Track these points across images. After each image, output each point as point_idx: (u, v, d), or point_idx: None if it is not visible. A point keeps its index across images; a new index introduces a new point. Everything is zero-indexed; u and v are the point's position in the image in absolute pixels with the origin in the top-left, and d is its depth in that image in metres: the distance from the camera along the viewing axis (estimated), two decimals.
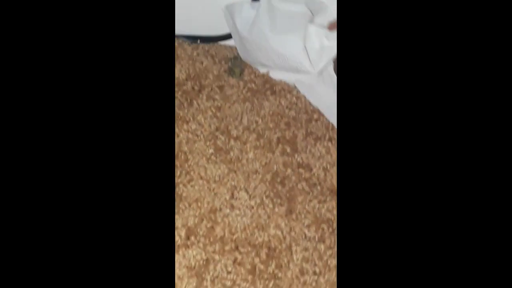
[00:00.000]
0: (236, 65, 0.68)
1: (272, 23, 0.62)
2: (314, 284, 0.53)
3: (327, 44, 0.62)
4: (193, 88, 0.65)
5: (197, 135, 0.62)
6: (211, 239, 0.54)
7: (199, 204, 0.56)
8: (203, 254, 0.53)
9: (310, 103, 0.67)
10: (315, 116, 0.65)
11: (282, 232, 0.56)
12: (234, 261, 0.53)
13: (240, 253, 0.54)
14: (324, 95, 0.66)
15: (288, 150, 0.62)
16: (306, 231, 0.56)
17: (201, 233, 0.54)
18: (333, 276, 0.54)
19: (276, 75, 0.68)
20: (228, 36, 0.70)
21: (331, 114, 0.66)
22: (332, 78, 0.64)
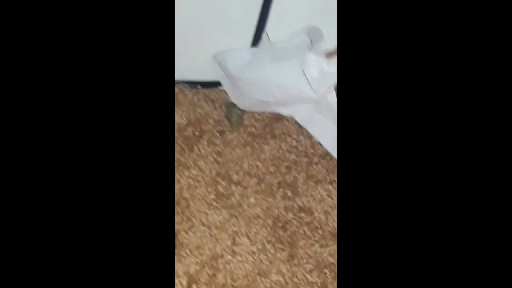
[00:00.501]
0: (233, 113, 0.68)
1: (272, 54, 0.62)
2: None
3: (327, 70, 0.60)
4: (193, 133, 0.66)
5: (198, 181, 0.62)
6: (213, 287, 0.54)
7: (201, 250, 0.56)
8: None
9: (310, 146, 0.67)
10: (316, 159, 0.66)
11: (284, 278, 0.55)
12: None
13: None
14: (325, 127, 0.65)
15: (289, 194, 0.62)
16: (308, 276, 0.56)
17: (202, 280, 0.54)
18: None
19: (275, 110, 0.68)
20: None
21: (332, 147, 0.66)
22: (332, 109, 0.62)
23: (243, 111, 0.69)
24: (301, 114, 0.67)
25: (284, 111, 0.67)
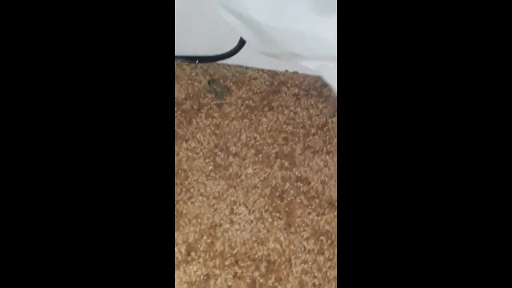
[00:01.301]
0: (217, 86, 0.69)
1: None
2: None
3: None
4: (192, 107, 0.67)
5: (196, 153, 0.63)
6: (211, 254, 0.55)
7: (199, 220, 0.57)
8: (204, 269, 0.54)
9: (308, 118, 0.67)
10: (313, 130, 0.66)
11: (281, 246, 0.57)
12: (234, 275, 0.54)
13: (240, 267, 0.54)
14: None
15: (287, 164, 0.63)
16: (305, 243, 0.57)
17: (201, 248, 0.55)
18: (332, 287, 0.54)
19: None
20: (226, 55, 0.72)
21: None
22: None
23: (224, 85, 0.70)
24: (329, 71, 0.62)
25: (312, 65, 0.63)
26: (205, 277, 0.52)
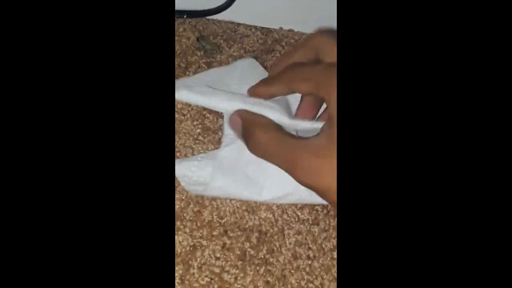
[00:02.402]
0: (207, 43, 0.64)
1: None
2: (307, 269, 0.50)
3: None
4: (179, 65, 0.62)
5: (183, 115, 0.58)
6: (198, 224, 0.51)
7: None
8: (190, 239, 0.50)
9: None
10: None
11: (273, 215, 0.53)
12: (223, 246, 0.50)
13: (229, 238, 0.51)
14: None
15: None
16: (299, 213, 0.53)
17: (187, 217, 0.51)
18: (327, 260, 0.51)
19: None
20: (216, 10, 0.67)
21: None
22: None
23: (214, 42, 0.65)
24: None
25: None
26: (191, 248, 0.49)
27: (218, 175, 0.50)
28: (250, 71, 0.54)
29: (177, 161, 0.52)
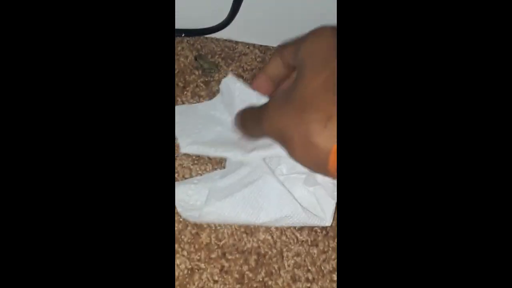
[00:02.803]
0: (204, 62, 0.64)
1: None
2: None
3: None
4: (177, 84, 0.62)
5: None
6: (196, 246, 0.51)
7: None
8: (188, 263, 0.50)
9: None
10: None
11: (272, 237, 0.52)
12: (221, 269, 0.50)
13: (227, 260, 0.50)
14: None
15: None
16: (298, 234, 0.53)
17: (185, 240, 0.51)
18: (327, 282, 0.50)
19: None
20: (214, 29, 0.67)
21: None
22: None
23: (212, 61, 0.65)
24: None
25: None
26: (189, 272, 0.48)
27: (212, 199, 0.50)
28: (230, 94, 0.54)
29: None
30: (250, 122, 0.48)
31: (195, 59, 0.64)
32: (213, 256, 0.50)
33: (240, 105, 0.52)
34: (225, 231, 0.52)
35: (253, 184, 0.50)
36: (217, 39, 0.68)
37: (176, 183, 0.52)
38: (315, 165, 0.41)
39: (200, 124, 0.57)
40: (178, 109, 0.58)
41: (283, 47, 0.49)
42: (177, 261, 0.49)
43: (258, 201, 0.50)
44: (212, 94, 0.61)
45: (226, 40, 0.68)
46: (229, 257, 0.50)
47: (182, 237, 0.51)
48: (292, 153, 0.42)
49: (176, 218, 0.52)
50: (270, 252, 0.51)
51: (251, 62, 0.65)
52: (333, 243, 0.53)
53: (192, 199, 0.51)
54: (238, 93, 0.53)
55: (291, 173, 0.52)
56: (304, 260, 0.51)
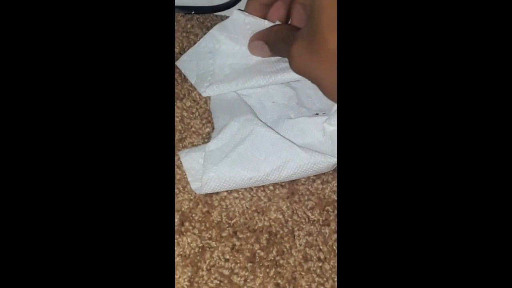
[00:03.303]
0: None
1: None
2: (318, 271, 0.49)
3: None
4: None
5: (192, 113, 0.58)
6: (207, 225, 0.50)
7: None
8: (199, 241, 0.49)
9: None
10: None
11: (283, 216, 0.52)
12: (232, 248, 0.49)
13: (238, 239, 0.50)
14: None
15: None
16: (309, 214, 0.53)
17: (196, 218, 0.50)
18: None
19: None
20: (225, 6, 0.66)
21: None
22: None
23: None
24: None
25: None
26: (200, 250, 0.48)
27: (208, 165, 0.49)
28: (240, 28, 0.57)
29: (183, 152, 0.52)
30: (279, 43, 0.50)
31: None
32: (224, 234, 0.50)
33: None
34: (236, 209, 0.51)
35: (246, 139, 0.50)
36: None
37: (186, 151, 0.52)
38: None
39: (211, 65, 0.56)
40: (183, 58, 0.59)
41: None
42: (188, 239, 0.49)
43: (255, 155, 0.50)
44: None
45: None
46: (240, 235, 0.50)
47: (193, 215, 0.51)
48: (324, 90, 0.44)
49: (186, 197, 0.52)
50: (281, 231, 0.51)
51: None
52: None
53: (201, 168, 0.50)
54: (249, 26, 0.56)
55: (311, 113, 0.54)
56: (316, 240, 0.51)
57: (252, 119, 0.52)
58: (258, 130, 0.51)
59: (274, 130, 0.51)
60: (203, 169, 0.50)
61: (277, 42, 0.50)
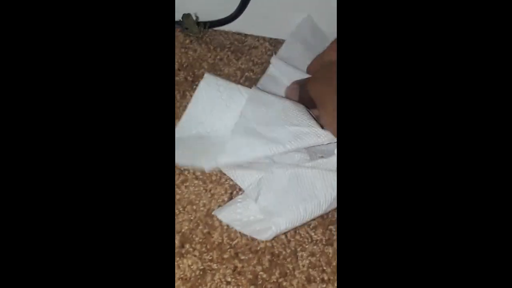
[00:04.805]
0: (191, 24, 0.63)
1: None
2: None
3: None
4: (186, 78, 0.60)
5: None
6: (208, 246, 0.49)
7: (195, 207, 0.51)
8: (200, 263, 0.48)
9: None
10: None
11: (286, 236, 0.51)
12: (234, 270, 0.48)
13: (240, 261, 0.49)
14: None
15: None
16: (312, 233, 0.52)
17: (196, 239, 0.49)
18: None
19: None
20: (223, 21, 0.65)
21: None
22: None
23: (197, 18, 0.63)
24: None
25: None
26: (201, 272, 0.47)
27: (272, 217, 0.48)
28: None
29: (218, 210, 0.50)
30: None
31: (182, 18, 0.62)
32: (225, 256, 0.49)
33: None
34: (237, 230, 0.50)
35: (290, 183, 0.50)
36: (226, 32, 0.66)
37: (220, 209, 0.50)
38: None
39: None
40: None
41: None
42: (189, 262, 0.48)
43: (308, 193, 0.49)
44: None
45: (235, 33, 0.66)
46: (242, 257, 0.49)
47: (194, 236, 0.49)
48: (323, 115, 0.48)
49: (186, 217, 0.50)
50: (284, 252, 0.50)
51: (261, 56, 0.64)
52: None
53: (245, 216, 0.49)
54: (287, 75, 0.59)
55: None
56: (319, 260, 0.50)
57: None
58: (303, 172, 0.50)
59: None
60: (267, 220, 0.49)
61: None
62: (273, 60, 0.60)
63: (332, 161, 0.49)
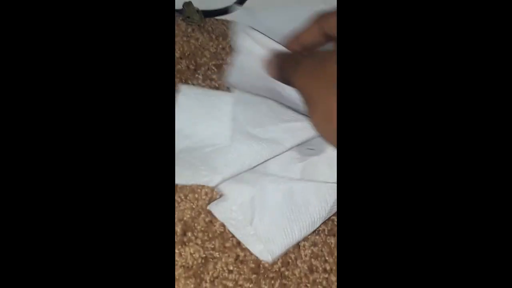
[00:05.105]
0: (193, 12, 0.62)
1: None
2: (324, 282, 0.48)
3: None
4: (188, 67, 0.60)
5: None
6: (210, 235, 0.49)
7: (197, 195, 0.51)
8: (202, 251, 0.48)
9: None
10: None
11: None
12: (236, 259, 0.48)
13: (242, 249, 0.49)
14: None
15: None
16: None
17: (199, 228, 0.49)
18: None
19: None
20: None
21: None
22: None
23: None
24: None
25: None
26: (203, 261, 0.47)
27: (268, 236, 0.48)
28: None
29: (213, 205, 0.50)
30: (286, 65, 0.48)
31: (183, 6, 0.62)
32: (227, 244, 0.49)
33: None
34: None
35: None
36: (228, 21, 0.65)
37: (214, 203, 0.50)
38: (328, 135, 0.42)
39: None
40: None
41: (324, 16, 0.47)
42: (191, 250, 0.48)
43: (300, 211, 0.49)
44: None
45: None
46: (244, 246, 0.49)
47: (195, 225, 0.49)
48: (312, 114, 0.43)
49: (188, 205, 0.50)
50: None
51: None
52: None
53: (240, 215, 0.49)
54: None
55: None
56: (321, 250, 0.50)
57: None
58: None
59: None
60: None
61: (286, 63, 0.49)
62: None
63: (323, 157, 0.49)
